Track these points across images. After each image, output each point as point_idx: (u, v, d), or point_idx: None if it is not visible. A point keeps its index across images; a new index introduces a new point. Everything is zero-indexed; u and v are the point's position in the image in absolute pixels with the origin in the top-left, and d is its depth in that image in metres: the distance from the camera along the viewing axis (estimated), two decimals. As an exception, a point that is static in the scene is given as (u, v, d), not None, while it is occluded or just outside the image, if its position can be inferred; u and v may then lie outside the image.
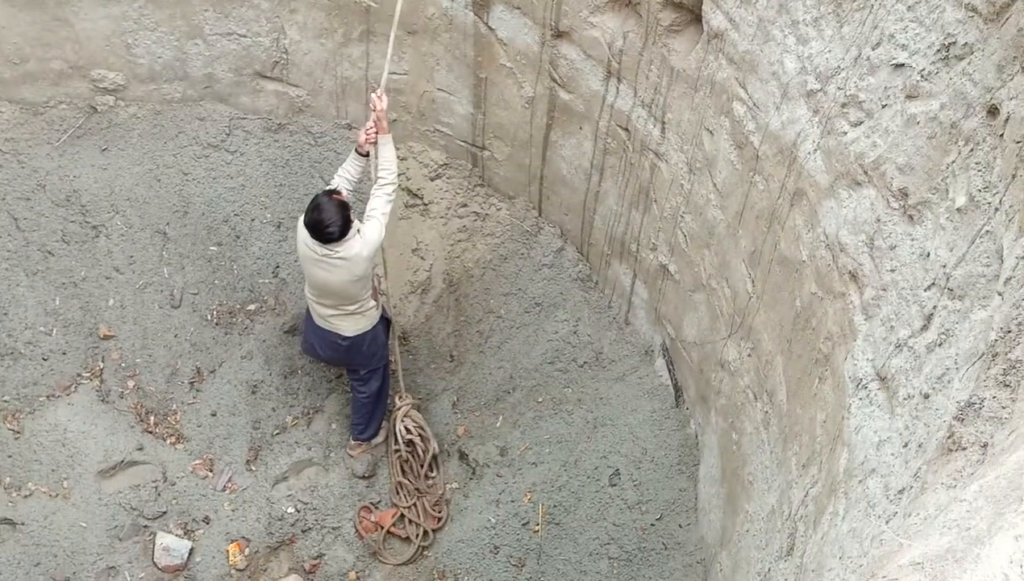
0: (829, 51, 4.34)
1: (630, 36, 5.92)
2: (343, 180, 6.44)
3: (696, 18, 5.47)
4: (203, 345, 7.51)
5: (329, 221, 6.01)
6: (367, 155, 6.36)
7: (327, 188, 6.35)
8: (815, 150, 4.45)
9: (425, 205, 7.80)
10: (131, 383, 7.32)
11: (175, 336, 7.47)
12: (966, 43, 3.50)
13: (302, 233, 6.21)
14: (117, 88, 7.44)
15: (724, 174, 5.40)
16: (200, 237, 7.63)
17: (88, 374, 7.27)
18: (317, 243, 6.13)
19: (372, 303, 6.68)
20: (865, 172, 4.06)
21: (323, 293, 6.51)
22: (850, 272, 4.13)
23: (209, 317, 7.58)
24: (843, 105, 4.21)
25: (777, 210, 4.86)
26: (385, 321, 6.96)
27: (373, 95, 6.24)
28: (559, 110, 6.78)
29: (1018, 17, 3.16)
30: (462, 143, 7.63)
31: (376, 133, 6.24)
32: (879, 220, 3.94)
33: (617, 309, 7.32)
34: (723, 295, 5.70)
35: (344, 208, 6.08)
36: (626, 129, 6.32)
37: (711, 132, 5.46)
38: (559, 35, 6.37)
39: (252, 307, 7.66)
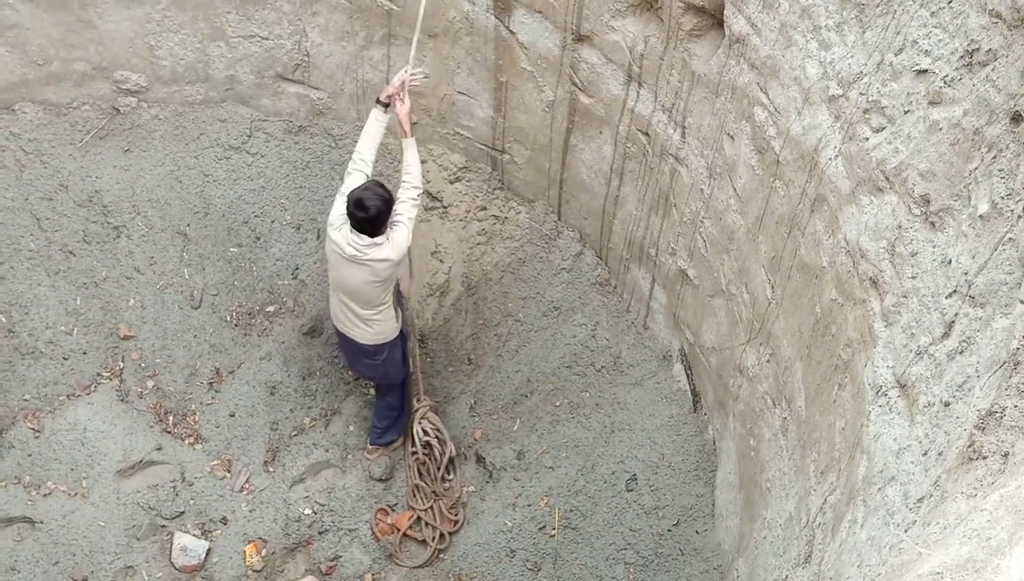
0: (851, 56, 4.32)
1: (651, 40, 5.91)
2: (363, 154, 6.42)
3: (718, 23, 5.45)
4: (222, 346, 7.54)
5: (370, 201, 6.03)
6: (388, 106, 6.35)
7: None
8: (836, 156, 4.43)
9: (444, 208, 7.80)
10: (150, 383, 7.36)
11: (195, 337, 7.50)
12: (990, 49, 3.47)
13: (334, 224, 6.25)
14: (140, 89, 7.49)
15: (744, 179, 5.39)
16: (220, 238, 7.66)
17: (108, 374, 7.31)
18: (347, 236, 6.16)
19: (392, 314, 6.69)
20: (887, 178, 4.03)
21: (344, 291, 6.55)
22: (870, 278, 4.11)
23: (228, 318, 7.61)
24: (865, 111, 4.19)
25: (797, 216, 4.84)
26: (403, 338, 6.98)
27: (396, 95, 6.30)
28: (579, 114, 6.77)
29: (1043, 23, 3.14)
30: (482, 146, 7.63)
31: (397, 94, 6.28)
32: (900, 226, 3.91)
33: (636, 314, 7.31)
34: (742, 301, 5.68)
35: (389, 203, 6.15)
36: (646, 133, 6.31)
37: (732, 137, 5.44)
38: (580, 39, 6.37)
39: (271, 309, 7.68)
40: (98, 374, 7.31)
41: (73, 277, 7.38)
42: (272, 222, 7.74)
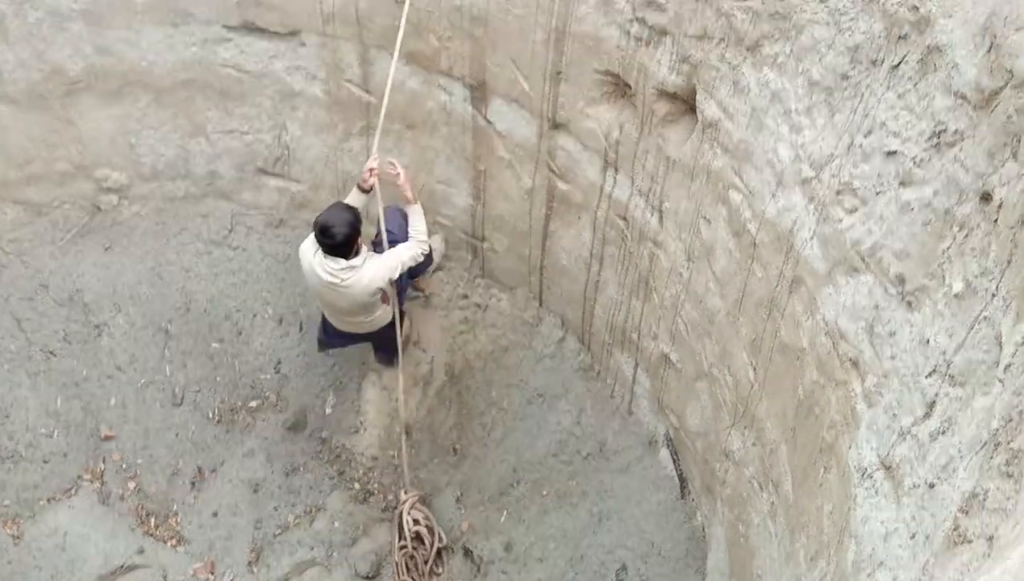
0: (822, 139, 4.35)
1: (626, 127, 5.97)
2: None
3: (690, 108, 5.51)
4: (204, 444, 7.45)
5: (337, 225, 5.99)
6: (369, 191, 6.38)
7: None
8: (812, 237, 4.44)
9: (426, 297, 7.79)
10: (132, 484, 7.25)
11: (176, 435, 7.42)
12: (956, 130, 3.51)
13: (306, 255, 6.23)
14: (121, 187, 7.52)
15: (723, 262, 5.39)
16: (202, 334, 7.63)
17: (89, 476, 7.21)
18: (321, 263, 6.12)
19: (386, 307, 6.71)
20: (862, 259, 4.04)
21: (334, 311, 6.58)
22: (851, 359, 4.09)
23: (211, 415, 7.54)
24: (838, 192, 4.21)
25: (776, 298, 4.84)
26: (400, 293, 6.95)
27: (388, 168, 6.39)
28: (558, 201, 6.81)
29: (1007, 104, 3.17)
30: (462, 235, 7.66)
31: (373, 175, 6.33)
32: (877, 306, 3.90)
33: (620, 399, 7.26)
34: (725, 383, 5.65)
35: (356, 223, 6.09)
36: (624, 218, 6.33)
37: (708, 220, 5.46)
38: (556, 127, 6.43)
39: (254, 404, 7.62)
40: (79, 476, 7.20)
41: (54, 378, 7.32)
42: (254, 316, 7.72)
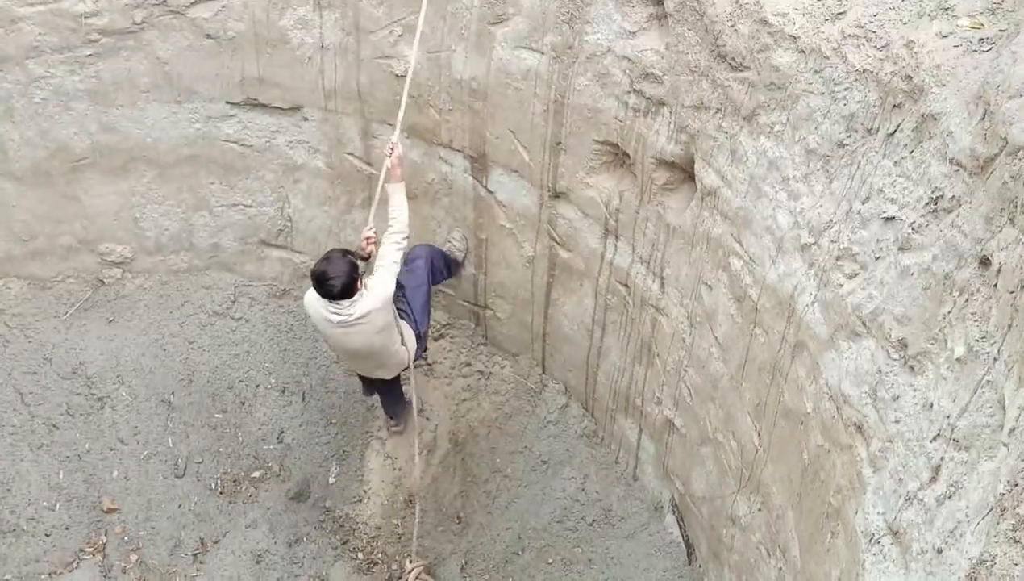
0: (820, 206, 4.42)
1: (626, 195, 6.04)
2: None
3: (689, 176, 5.59)
4: (207, 515, 7.42)
5: (334, 274, 5.88)
6: (367, 259, 6.24)
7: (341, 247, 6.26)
8: (813, 302, 4.48)
9: (429, 365, 7.81)
10: (134, 557, 7.20)
11: (179, 507, 7.39)
12: (953, 196, 3.57)
13: (312, 304, 6.12)
14: (124, 261, 7.58)
15: (725, 327, 5.43)
16: (205, 405, 7.64)
17: (91, 549, 7.16)
18: (326, 307, 6.02)
19: (403, 349, 6.52)
20: (863, 323, 4.08)
21: (352, 356, 6.49)
22: (855, 424, 4.11)
23: (213, 486, 7.52)
24: (837, 258, 4.27)
25: (779, 362, 4.86)
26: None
27: (387, 145, 6.24)
28: (559, 268, 6.87)
29: (1002, 171, 3.24)
30: (465, 303, 7.70)
31: (369, 243, 6.22)
32: (880, 371, 3.93)
33: (624, 465, 7.25)
34: (730, 449, 5.65)
35: (354, 268, 5.97)
36: (626, 285, 6.38)
37: (709, 286, 5.51)
38: (557, 196, 6.50)
39: (257, 474, 7.60)
40: (80, 550, 7.15)
41: (56, 451, 7.31)
42: (257, 386, 7.73)
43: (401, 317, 6.50)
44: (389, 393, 7.31)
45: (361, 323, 6.08)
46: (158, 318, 7.69)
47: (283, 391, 7.81)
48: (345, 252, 6.09)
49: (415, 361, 6.76)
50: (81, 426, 7.41)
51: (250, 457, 7.64)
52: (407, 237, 6.29)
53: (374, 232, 6.28)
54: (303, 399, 7.78)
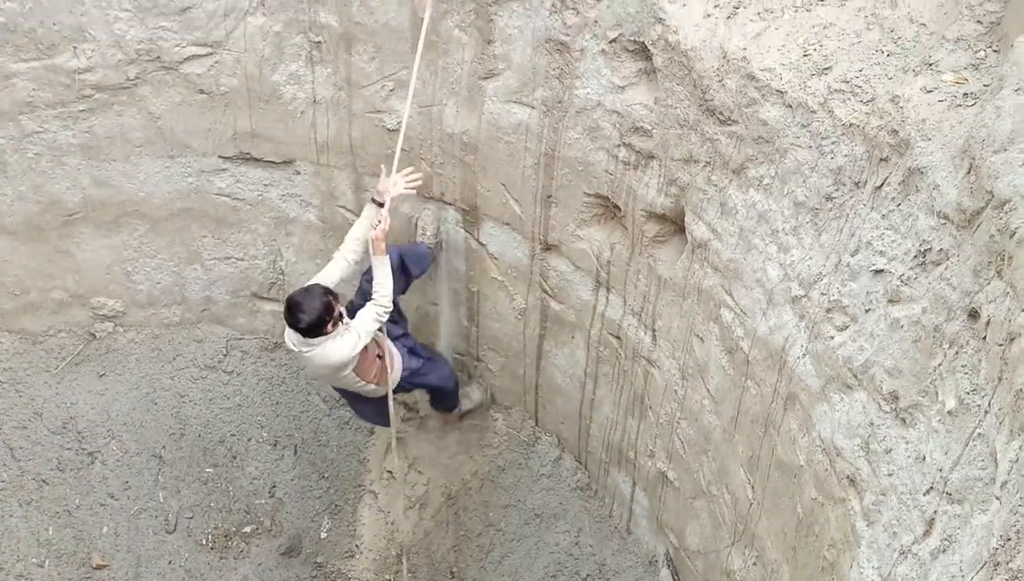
0: (810, 258, 4.44)
1: (617, 247, 6.06)
2: (348, 243, 6.26)
3: (680, 229, 5.61)
4: (197, 571, 7.35)
5: (306, 309, 5.82)
6: (384, 204, 6.12)
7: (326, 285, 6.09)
8: (804, 354, 4.49)
9: (421, 418, 7.79)
10: (123, 614, 7.14)
11: (169, 563, 7.32)
12: (941, 249, 3.60)
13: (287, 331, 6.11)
14: (116, 314, 7.57)
15: (717, 380, 5.43)
16: (196, 459, 7.60)
17: (80, 606, 7.10)
18: (293, 337, 6.01)
19: (384, 378, 6.47)
20: (855, 376, 4.08)
21: (323, 379, 6.49)
22: (848, 477, 4.10)
23: (204, 541, 7.45)
24: (828, 310, 4.28)
25: (771, 415, 4.86)
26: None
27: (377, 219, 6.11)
28: (551, 320, 6.87)
29: (989, 224, 3.26)
30: (457, 355, 7.69)
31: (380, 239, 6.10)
32: (872, 423, 3.93)
33: (618, 518, 7.20)
34: (724, 502, 5.62)
35: (327, 310, 5.87)
36: (618, 337, 6.38)
37: (701, 338, 5.52)
38: (548, 248, 6.52)
39: (248, 529, 7.54)
40: (70, 607, 7.09)
41: (46, 506, 7.26)
42: (248, 440, 7.69)
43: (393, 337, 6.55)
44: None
45: (316, 360, 6.07)
46: (149, 372, 7.66)
47: (275, 445, 7.78)
48: (327, 292, 5.97)
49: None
50: (71, 481, 7.36)
51: (241, 512, 7.58)
52: (388, 311, 6.20)
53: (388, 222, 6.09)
54: (295, 453, 7.74)
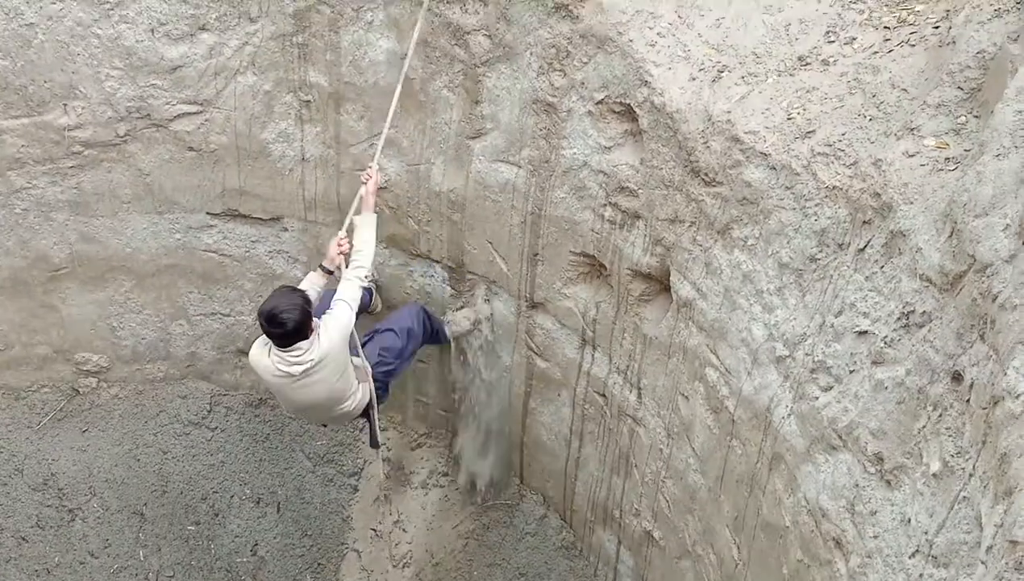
0: (794, 319, 4.47)
1: (603, 306, 6.09)
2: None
3: (665, 288, 5.65)
4: (178, 631, 7.26)
5: (286, 308, 5.28)
6: (332, 273, 5.80)
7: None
8: (789, 415, 4.50)
9: (407, 475, 7.74)
10: (101, 676, 7.02)
11: (149, 623, 7.23)
12: (924, 311, 3.63)
13: (260, 359, 5.55)
14: (100, 370, 7.54)
15: (702, 439, 5.43)
16: (178, 516, 7.52)
17: (57, 667, 6.99)
18: (278, 358, 5.44)
19: (360, 390, 5.96)
20: (839, 437, 4.09)
21: (304, 410, 5.90)
22: (834, 538, 4.09)
23: (185, 601, 7.37)
24: (812, 371, 4.30)
25: (757, 474, 4.85)
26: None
27: (365, 171, 5.94)
28: (537, 378, 6.87)
29: (971, 288, 3.30)
30: (441, 412, 7.67)
31: (341, 250, 5.78)
32: (858, 485, 3.94)
33: (603, 577, 7.15)
34: (709, 562, 5.59)
35: (307, 303, 5.41)
36: (603, 395, 6.39)
37: (686, 397, 5.53)
38: (534, 306, 6.54)
39: (229, 588, 7.46)
40: (46, 668, 6.97)
41: (24, 564, 7.16)
42: (231, 497, 7.63)
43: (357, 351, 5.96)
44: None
45: (318, 371, 5.52)
46: (132, 428, 7.61)
47: (258, 502, 7.71)
48: (294, 288, 5.58)
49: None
50: (51, 539, 7.27)
51: (223, 570, 7.49)
52: (369, 277, 5.85)
53: (347, 241, 5.84)
54: (278, 510, 7.68)
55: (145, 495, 7.50)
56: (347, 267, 5.82)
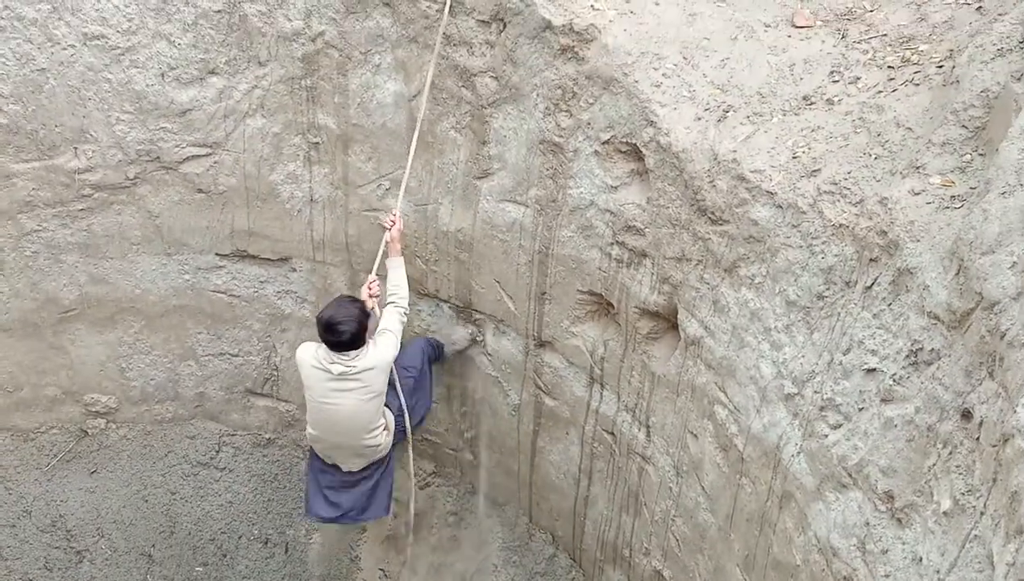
0: (803, 356, 4.47)
1: (611, 344, 6.10)
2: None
3: (673, 326, 5.66)
4: (186, 674, 7.22)
5: (344, 318, 5.58)
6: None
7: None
8: (798, 453, 4.49)
9: (416, 515, 7.71)
10: None
11: (157, 665, 7.19)
12: (933, 349, 3.64)
13: (307, 358, 5.79)
14: (109, 411, 7.55)
15: (711, 477, 5.41)
16: (185, 558, 7.50)
17: None
18: (327, 355, 5.69)
19: (384, 433, 6.13)
20: (850, 475, 4.09)
21: (333, 431, 5.97)
22: (845, 577, 4.07)
23: (193, 643, 7.33)
24: (821, 408, 4.30)
25: (767, 513, 4.84)
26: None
27: (388, 216, 6.11)
28: (545, 416, 6.87)
29: (979, 325, 3.31)
30: (450, 451, 7.66)
31: (377, 285, 6.03)
32: (868, 523, 3.92)
33: (614, 617, 7.11)
34: (721, 601, 5.57)
35: (364, 314, 5.70)
36: (612, 433, 6.38)
37: (695, 435, 5.52)
38: (542, 344, 6.55)
39: (238, 631, 7.42)
40: None
41: (32, 607, 7.15)
42: (239, 537, 7.61)
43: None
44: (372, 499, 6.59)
45: (354, 380, 5.73)
46: (141, 469, 7.61)
47: (266, 543, 7.69)
48: (353, 298, 5.88)
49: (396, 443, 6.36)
50: (59, 581, 7.26)
51: (231, 612, 7.47)
52: (407, 314, 6.09)
53: (377, 284, 6.06)
54: (286, 551, 7.65)
55: (153, 536, 7.49)
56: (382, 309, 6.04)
